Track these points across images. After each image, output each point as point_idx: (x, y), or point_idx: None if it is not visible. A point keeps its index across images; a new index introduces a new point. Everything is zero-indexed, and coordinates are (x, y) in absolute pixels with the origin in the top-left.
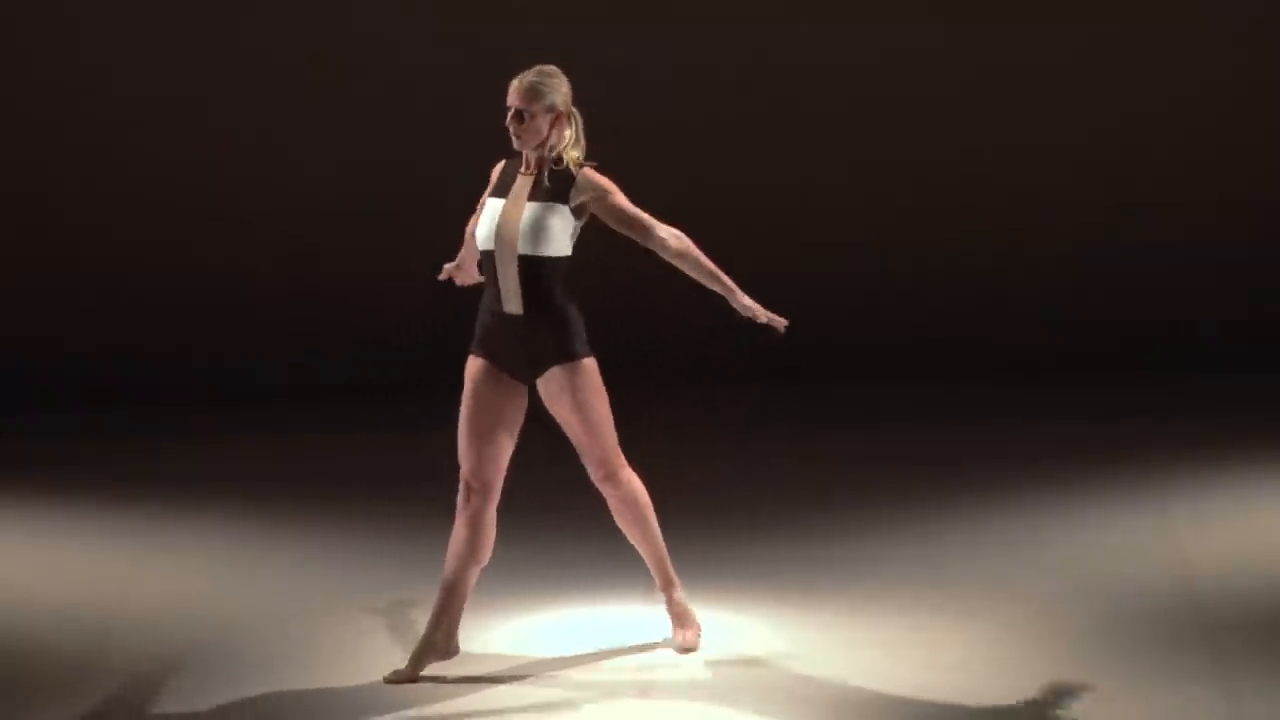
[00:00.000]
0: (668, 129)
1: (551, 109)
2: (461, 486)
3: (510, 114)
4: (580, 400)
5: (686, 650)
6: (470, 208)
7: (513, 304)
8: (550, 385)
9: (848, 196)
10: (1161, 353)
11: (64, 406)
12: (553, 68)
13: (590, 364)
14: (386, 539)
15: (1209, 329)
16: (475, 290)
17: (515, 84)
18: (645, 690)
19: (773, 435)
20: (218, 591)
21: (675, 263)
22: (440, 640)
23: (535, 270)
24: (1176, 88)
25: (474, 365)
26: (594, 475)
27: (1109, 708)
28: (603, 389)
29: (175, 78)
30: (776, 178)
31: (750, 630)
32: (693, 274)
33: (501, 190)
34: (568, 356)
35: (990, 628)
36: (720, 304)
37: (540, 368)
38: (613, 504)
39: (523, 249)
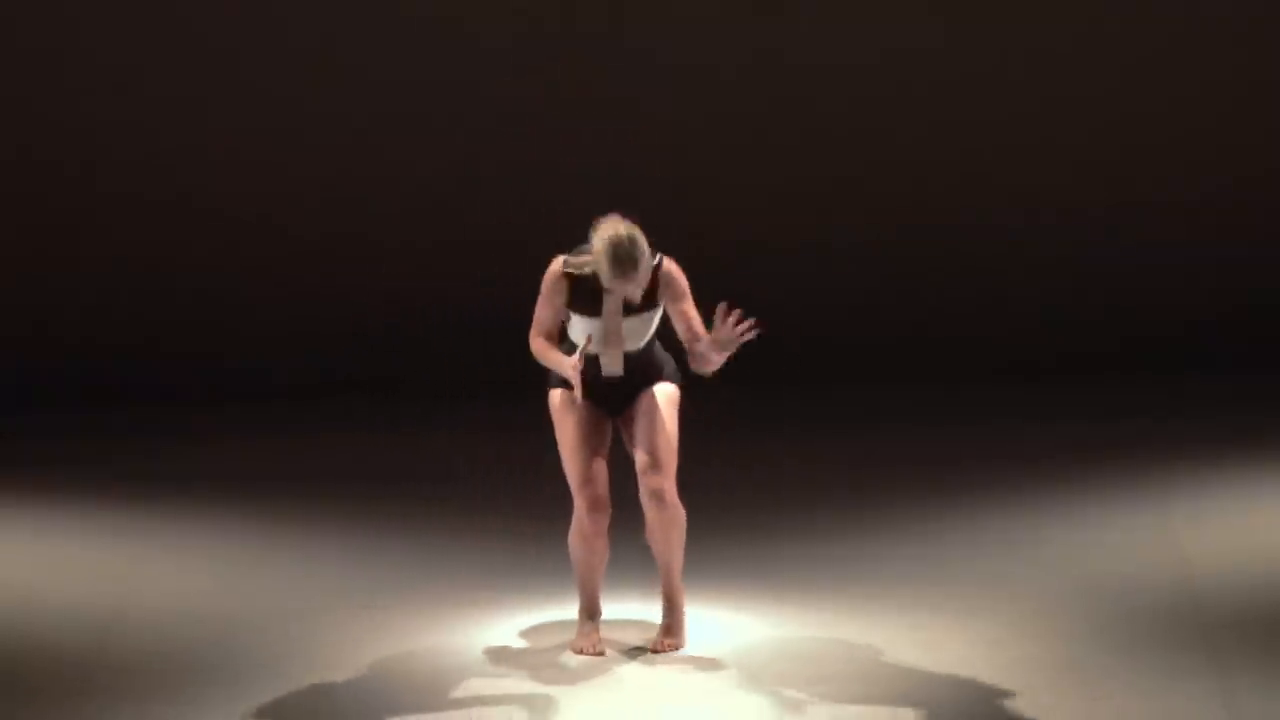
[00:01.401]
0: (667, 129)
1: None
2: (586, 504)
3: (628, 281)
4: (664, 402)
5: (657, 651)
6: (468, 206)
7: (614, 371)
8: (639, 397)
9: (847, 196)
10: (1161, 353)
11: (64, 406)
12: (628, 234)
13: (678, 391)
14: (386, 539)
15: (1209, 329)
16: (474, 288)
17: (626, 275)
18: (645, 690)
19: (773, 435)
20: (218, 591)
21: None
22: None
23: (637, 354)
24: (1176, 88)
25: (568, 397)
26: (645, 483)
27: (1108, 706)
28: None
29: (175, 77)
30: (776, 178)
31: (750, 630)
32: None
33: (588, 307)
34: (659, 380)
35: (990, 627)
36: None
37: (632, 399)
38: (653, 520)
39: (628, 349)
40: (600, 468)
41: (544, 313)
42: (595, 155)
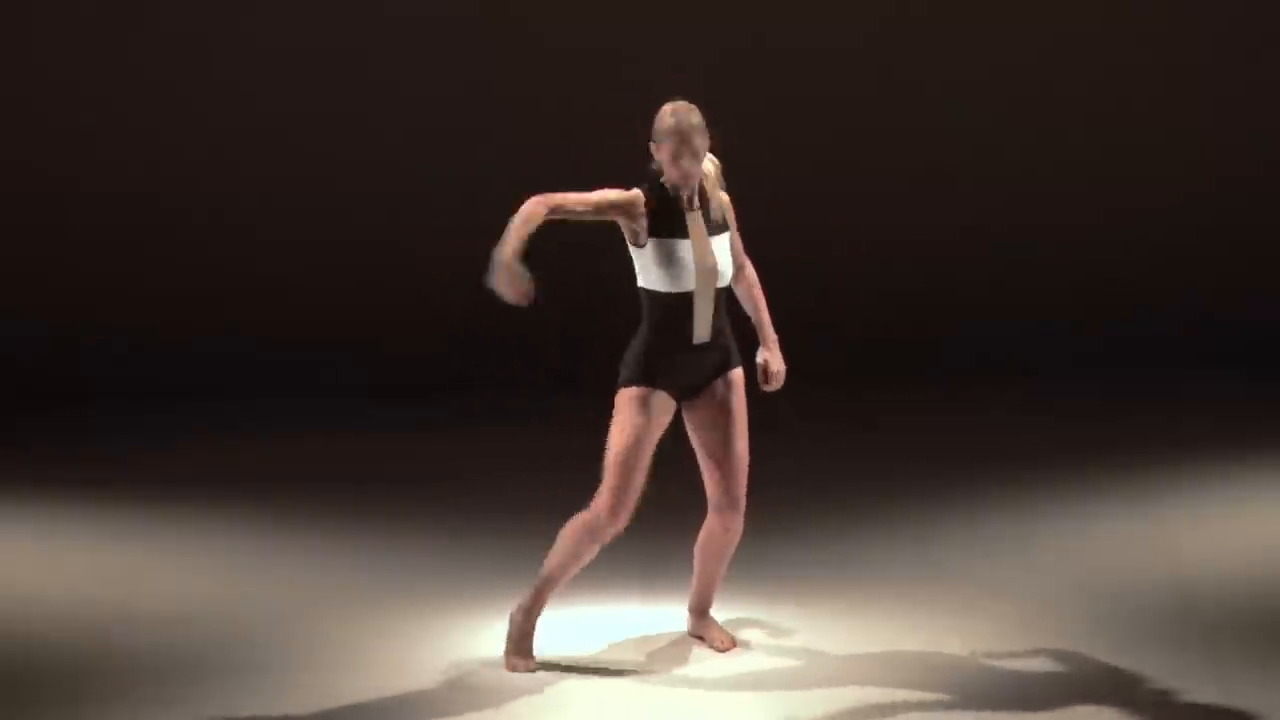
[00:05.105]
0: None
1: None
2: (615, 511)
3: (696, 157)
4: (742, 405)
5: (726, 649)
6: (468, 205)
7: (704, 334)
8: (718, 393)
9: (848, 196)
10: (1163, 352)
11: (65, 406)
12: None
13: (742, 375)
14: (387, 539)
15: (1208, 329)
16: (475, 288)
17: (693, 125)
18: (645, 690)
19: (773, 435)
20: (218, 591)
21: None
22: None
23: (721, 300)
24: (1176, 87)
25: (657, 402)
26: (724, 497)
27: (1106, 706)
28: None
29: (176, 77)
30: (775, 177)
31: (749, 631)
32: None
33: (674, 230)
34: (735, 364)
35: (989, 628)
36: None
37: (705, 381)
38: (717, 530)
39: (720, 284)
40: (642, 479)
41: (585, 198)
42: (591, 154)
